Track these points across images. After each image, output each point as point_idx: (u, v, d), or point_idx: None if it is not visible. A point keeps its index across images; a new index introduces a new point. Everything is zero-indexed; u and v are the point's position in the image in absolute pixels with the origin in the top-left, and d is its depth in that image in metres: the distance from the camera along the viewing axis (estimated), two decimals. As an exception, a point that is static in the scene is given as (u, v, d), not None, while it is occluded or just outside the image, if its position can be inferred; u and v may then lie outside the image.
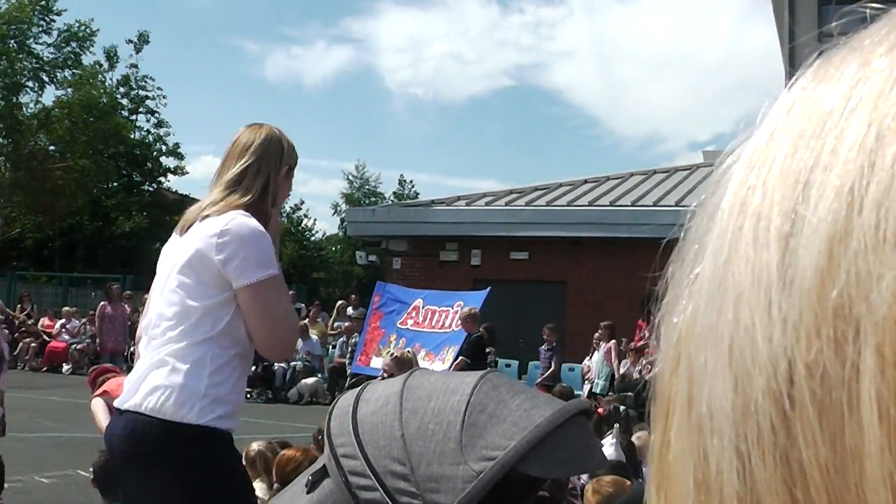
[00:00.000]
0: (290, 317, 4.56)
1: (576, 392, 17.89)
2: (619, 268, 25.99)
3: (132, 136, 52.14)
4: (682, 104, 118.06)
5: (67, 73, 47.44)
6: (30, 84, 46.65)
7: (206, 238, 4.21)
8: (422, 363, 17.51)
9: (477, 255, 27.96)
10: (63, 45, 46.92)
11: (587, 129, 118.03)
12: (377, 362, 19.26)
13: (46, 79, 46.95)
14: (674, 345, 0.58)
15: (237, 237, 4.21)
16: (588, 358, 22.56)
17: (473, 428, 1.64)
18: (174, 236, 4.53)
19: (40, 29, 46.34)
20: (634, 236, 25.77)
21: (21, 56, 45.84)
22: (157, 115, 53.46)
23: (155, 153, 53.38)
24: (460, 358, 17.90)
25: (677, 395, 0.56)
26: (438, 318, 19.83)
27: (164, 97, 53.31)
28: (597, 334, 22.42)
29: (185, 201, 55.26)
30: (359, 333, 22.43)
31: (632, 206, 27.34)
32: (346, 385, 20.72)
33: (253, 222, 4.27)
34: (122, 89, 52.35)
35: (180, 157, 54.08)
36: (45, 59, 46.78)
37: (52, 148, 47.34)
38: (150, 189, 53.63)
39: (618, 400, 15.14)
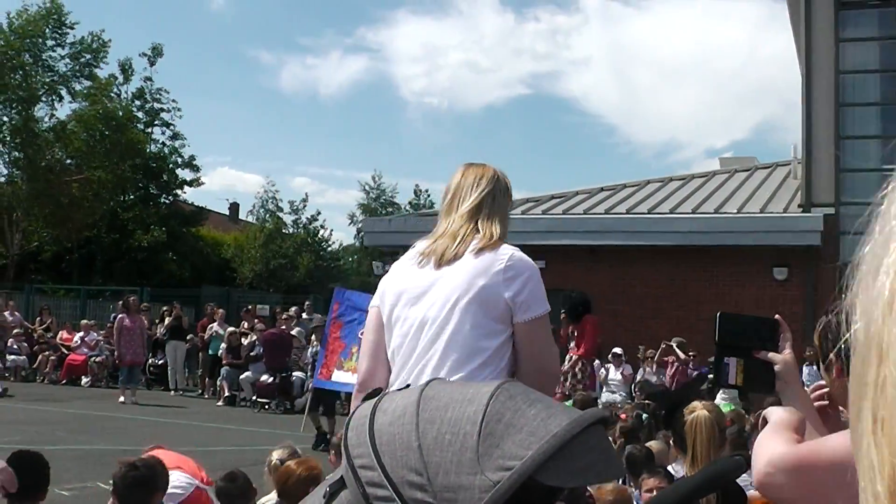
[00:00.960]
0: (555, 349, 4.69)
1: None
2: (636, 275, 26.00)
3: (148, 149, 52.29)
4: (698, 111, 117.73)
5: (82, 86, 47.71)
6: (44, 98, 46.89)
7: (492, 274, 4.31)
8: None
9: (498, 263, 27.95)
10: (77, 56, 47.16)
11: (604, 138, 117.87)
12: (339, 376, 18.38)
13: (63, 91, 47.22)
14: (886, 297, 0.71)
15: (522, 272, 4.36)
16: (614, 367, 22.57)
17: (490, 438, 1.64)
18: (415, 268, 4.76)
19: (54, 42, 46.60)
20: (651, 244, 25.79)
21: (36, 69, 46.08)
22: (172, 127, 53.65)
23: (171, 165, 53.51)
24: None
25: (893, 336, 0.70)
26: None
27: (178, 109, 53.51)
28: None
29: (202, 213, 55.60)
30: (319, 343, 20.74)
31: (648, 213, 27.32)
32: (308, 400, 19.88)
33: (527, 257, 4.49)
34: (137, 102, 52.52)
35: (196, 168, 54.26)
36: (59, 71, 47.02)
37: (68, 161, 47.57)
38: (167, 201, 53.78)
39: (639, 407, 15.17)
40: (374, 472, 1.69)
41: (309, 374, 22.03)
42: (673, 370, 22.87)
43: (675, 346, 23.02)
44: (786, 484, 2.43)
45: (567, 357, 18.78)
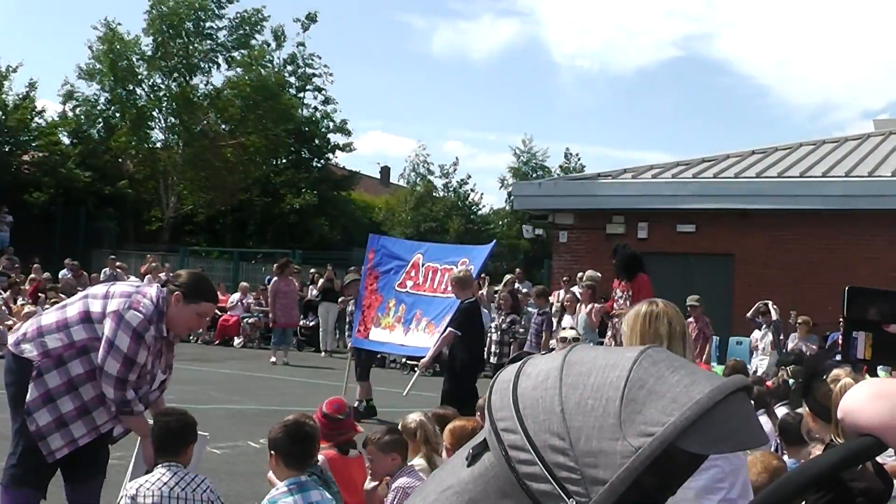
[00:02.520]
0: None
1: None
2: (787, 239, 25.61)
3: (300, 114, 52.85)
4: (855, 71, 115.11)
5: (237, 54, 48.40)
6: (203, 65, 47.70)
7: None
8: (421, 335, 15.89)
9: (644, 227, 27.73)
10: (235, 28, 47.86)
11: (756, 100, 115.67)
12: (377, 334, 16.60)
13: (220, 60, 47.99)
14: None
15: None
16: (759, 331, 22.24)
17: (632, 404, 1.64)
18: None
19: (214, 13, 47.33)
20: (802, 208, 25.35)
21: (196, 38, 46.89)
22: (324, 92, 54.12)
23: (323, 130, 54.01)
24: (448, 330, 14.70)
25: None
26: (441, 278, 16.19)
27: (330, 74, 53.94)
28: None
29: (354, 177, 56.07)
30: (354, 301, 18.40)
31: (800, 177, 26.86)
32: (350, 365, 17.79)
33: None
34: (289, 67, 53.08)
35: (348, 133, 54.67)
36: (217, 41, 47.77)
37: (223, 126, 48.35)
38: (319, 165, 54.30)
39: (787, 374, 14.92)
40: (517, 436, 1.70)
41: (347, 333, 20.17)
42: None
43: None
44: None
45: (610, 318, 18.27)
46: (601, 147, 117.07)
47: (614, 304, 17.54)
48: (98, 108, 48.29)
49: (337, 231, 49.25)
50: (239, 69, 48.28)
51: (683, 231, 27.08)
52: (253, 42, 49.09)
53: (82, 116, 48.41)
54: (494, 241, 18.95)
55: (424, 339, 15.80)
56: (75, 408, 6.65)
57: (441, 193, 57.12)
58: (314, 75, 53.63)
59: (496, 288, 29.18)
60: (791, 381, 13.05)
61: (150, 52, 46.45)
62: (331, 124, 54.07)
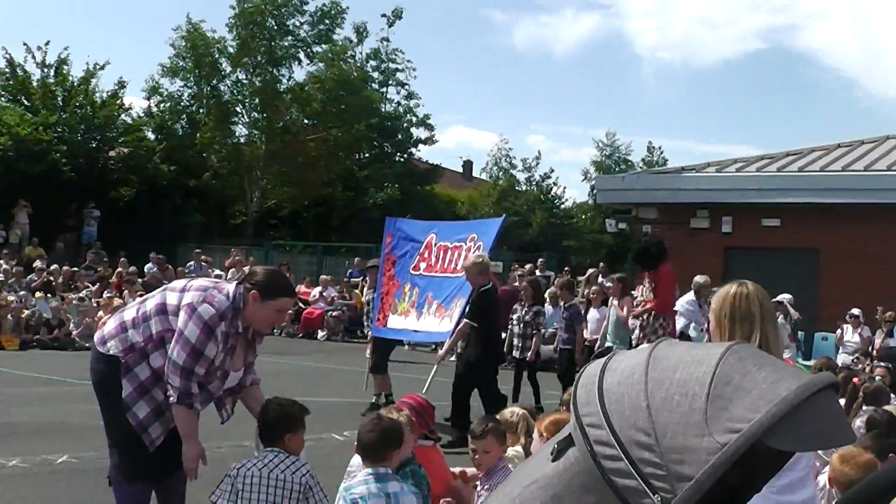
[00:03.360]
0: None
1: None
2: (872, 234, 25.28)
3: (383, 109, 53.06)
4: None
5: (319, 49, 48.63)
6: (285, 61, 47.96)
7: None
8: (432, 319, 15.20)
9: (728, 222, 27.53)
10: (316, 23, 48.07)
11: (842, 92, 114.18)
12: (394, 321, 15.90)
13: (302, 55, 48.24)
14: None
15: None
16: (852, 328, 22.02)
17: (719, 400, 1.64)
18: None
19: (295, 9, 47.57)
20: (889, 202, 25.02)
21: (279, 35, 47.19)
22: (407, 86, 54.33)
23: (405, 124, 54.21)
24: (464, 322, 14.20)
25: None
26: (451, 256, 15.51)
27: (413, 69, 54.15)
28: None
29: (436, 171, 56.15)
30: (373, 290, 17.40)
31: (887, 170, 26.52)
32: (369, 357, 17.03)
33: None
34: (372, 63, 53.34)
35: (430, 127, 54.90)
36: (299, 36, 48.01)
37: (305, 121, 48.62)
38: (401, 160, 54.48)
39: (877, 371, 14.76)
40: (603, 431, 1.70)
41: (367, 323, 18.78)
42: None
43: None
44: None
45: (628, 311, 17.95)
46: (684, 141, 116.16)
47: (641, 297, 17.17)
48: (182, 103, 48.74)
49: (419, 225, 49.41)
50: (321, 64, 48.53)
51: (768, 225, 26.81)
52: (335, 37, 49.32)
53: (166, 112, 48.93)
54: (505, 215, 18.13)
55: (435, 323, 15.18)
56: (166, 395, 6.72)
57: (524, 187, 57.04)
58: (397, 70, 53.92)
59: (580, 279, 29.10)
60: (878, 379, 12.90)
61: (233, 50, 46.83)
62: (413, 119, 54.31)
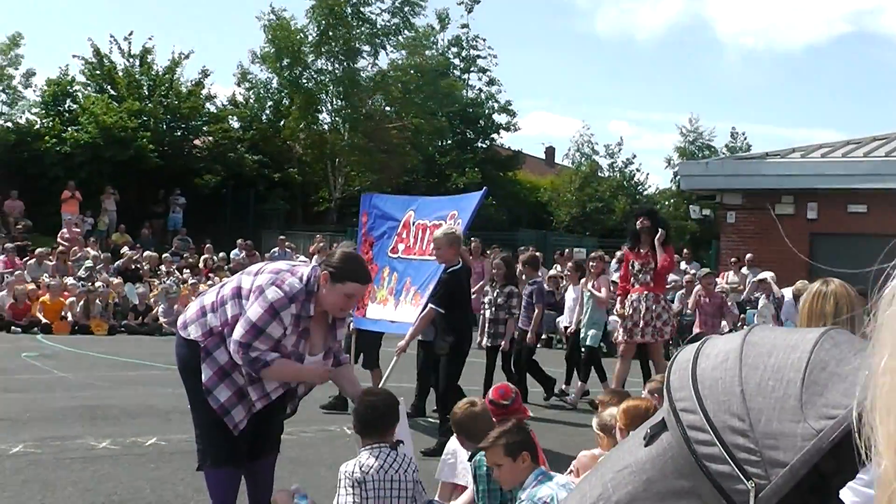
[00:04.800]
0: None
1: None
2: (963, 220, 24.87)
3: (465, 95, 53.06)
4: None
5: (402, 37, 48.68)
6: (366, 48, 48.08)
7: None
8: (409, 307, 13.12)
9: (813, 208, 27.20)
10: (397, 11, 48.13)
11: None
12: (374, 311, 13.82)
13: (379, 43, 48.30)
14: None
15: None
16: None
17: (814, 386, 1.63)
18: None
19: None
20: (980, 186, 24.62)
21: (358, 23, 47.31)
22: (488, 73, 54.29)
23: (487, 111, 54.18)
24: (429, 307, 12.46)
25: None
26: (430, 237, 13.24)
27: (495, 56, 54.10)
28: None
29: (518, 157, 56.07)
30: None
31: (978, 154, 26.11)
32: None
33: None
34: (453, 50, 53.36)
35: (512, 113, 54.79)
36: (378, 25, 48.09)
37: (387, 109, 48.75)
38: (483, 146, 54.45)
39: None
40: (696, 416, 1.70)
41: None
42: None
43: None
44: None
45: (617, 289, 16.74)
46: (768, 126, 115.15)
47: (631, 278, 15.85)
48: (270, 90, 49.10)
49: (502, 212, 49.25)
50: (403, 52, 48.62)
51: (855, 212, 26.45)
52: (415, 21, 49.39)
53: (252, 98, 49.34)
54: (485, 188, 15.59)
55: (412, 312, 12.98)
56: (246, 378, 6.75)
57: (606, 173, 56.73)
58: (478, 57, 53.89)
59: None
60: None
61: (314, 39, 47.03)
62: (495, 105, 54.25)
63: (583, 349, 17.21)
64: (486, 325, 15.89)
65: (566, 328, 18.77)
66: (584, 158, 56.69)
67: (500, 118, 54.71)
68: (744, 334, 1.78)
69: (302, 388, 7.32)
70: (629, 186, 56.26)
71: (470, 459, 6.76)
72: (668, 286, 19.36)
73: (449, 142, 53.44)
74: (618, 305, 16.37)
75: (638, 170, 58.25)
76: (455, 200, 14.52)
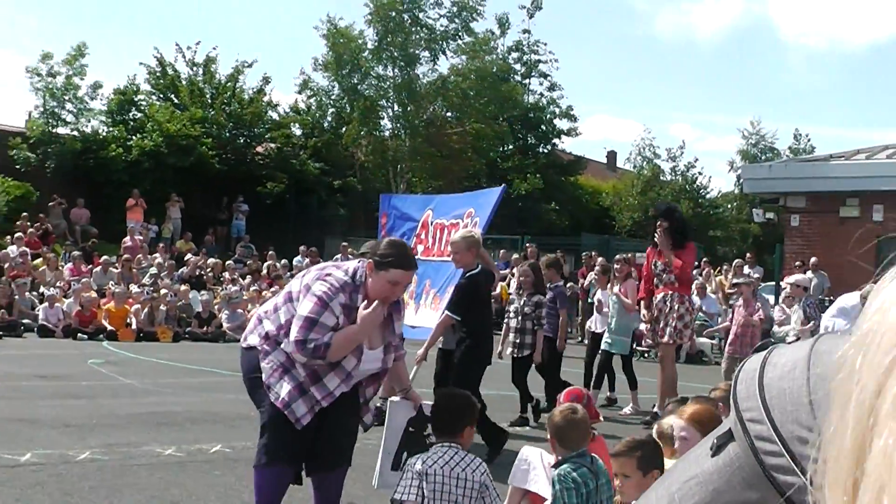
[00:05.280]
0: None
1: None
2: None
3: (525, 100, 53.03)
4: None
5: (462, 41, 48.75)
6: (425, 54, 48.20)
7: None
8: (428, 312, 12.84)
9: (879, 210, 26.96)
10: (455, 16, 48.19)
11: None
12: None
13: (438, 48, 48.39)
14: None
15: None
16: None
17: (885, 396, 1.61)
18: None
19: (432, 1, 47.78)
20: None
21: (416, 29, 47.43)
22: (549, 78, 54.21)
23: (548, 116, 54.11)
24: (444, 314, 11.84)
25: None
26: (448, 237, 12.88)
27: (556, 60, 53.99)
28: None
29: (580, 161, 55.97)
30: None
31: None
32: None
33: None
34: (514, 55, 53.33)
35: (573, 118, 54.66)
36: (437, 30, 48.18)
37: (448, 114, 48.82)
38: (545, 151, 54.40)
39: None
40: (763, 426, 1.68)
41: None
42: None
43: None
44: None
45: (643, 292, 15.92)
46: (832, 127, 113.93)
47: (654, 279, 15.41)
48: (332, 97, 49.33)
49: (565, 216, 49.20)
50: (463, 57, 48.66)
51: (922, 213, 26.22)
52: (474, 26, 49.41)
53: (313, 105, 49.63)
54: (504, 185, 14.56)
55: (432, 316, 12.63)
56: (307, 375, 6.76)
57: (668, 177, 56.50)
58: (540, 61, 53.83)
59: (722, 272, 28.73)
60: None
61: (372, 45, 47.26)
62: (556, 110, 54.16)
63: (603, 354, 16.79)
64: (512, 334, 15.16)
65: (591, 331, 18.06)
66: (645, 162, 56.49)
67: (562, 123, 54.63)
68: (812, 343, 1.76)
69: (370, 391, 7.33)
70: (691, 190, 55.98)
71: (556, 467, 6.72)
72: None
73: (510, 147, 53.46)
74: (643, 310, 15.82)
75: (700, 173, 57.91)
76: (471, 197, 14.07)
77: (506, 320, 15.67)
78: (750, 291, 17.80)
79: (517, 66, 53.38)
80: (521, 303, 14.88)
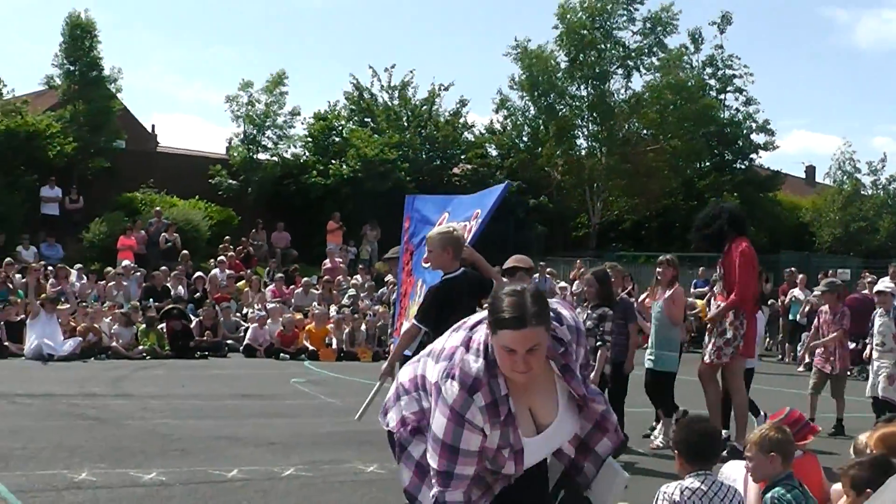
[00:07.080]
0: None
1: None
2: None
3: (721, 116, 52.37)
4: None
5: (654, 58, 48.46)
6: (618, 71, 48.08)
7: None
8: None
9: None
10: (647, 31, 47.95)
11: None
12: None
13: (632, 65, 48.19)
14: None
15: None
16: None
17: None
18: None
19: (624, 18, 47.62)
20: None
21: (608, 45, 47.36)
22: (745, 92, 53.40)
23: (745, 131, 53.32)
24: (411, 323, 9.80)
25: None
26: None
27: (751, 74, 53.16)
28: None
29: (778, 177, 54.98)
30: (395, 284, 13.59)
31: None
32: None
33: None
34: (707, 70, 52.71)
35: (770, 133, 53.70)
36: (629, 46, 48.00)
37: (643, 132, 48.55)
38: (742, 167, 53.61)
39: None
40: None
41: (390, 331, 14.13)
42: None
43: None
44: None
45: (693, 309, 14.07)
46: None
47: (716, 286, 13.24)
48: (528, 116, 49.55)
49: (763, 233, 48.37)
50: (657, 73, 48.35)
51: None
52: (668, 41, 49.03)
53: (509, 125, 49.92)
54: (508, 181, 12.24)
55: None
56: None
57: (869, 191, 55.08)
58: (734, 76, 53.10)
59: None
60: None
61: (565, 65, 47.37)
62: (753, 125, 53.34)
63: (649, 374, 14.23)
64: None
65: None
66: (845, 176, 55.17)
67: (759, 138, 53.72)
68: None
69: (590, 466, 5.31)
70: (894, 204, 54.49)
71: (766, 492, 6.58)
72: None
73: (707, 164, 52.79)
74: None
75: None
76: (479, 198, 12.65)
77: None
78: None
79: (711, 82, 52.73)
80: (584, 316, 12.78)
